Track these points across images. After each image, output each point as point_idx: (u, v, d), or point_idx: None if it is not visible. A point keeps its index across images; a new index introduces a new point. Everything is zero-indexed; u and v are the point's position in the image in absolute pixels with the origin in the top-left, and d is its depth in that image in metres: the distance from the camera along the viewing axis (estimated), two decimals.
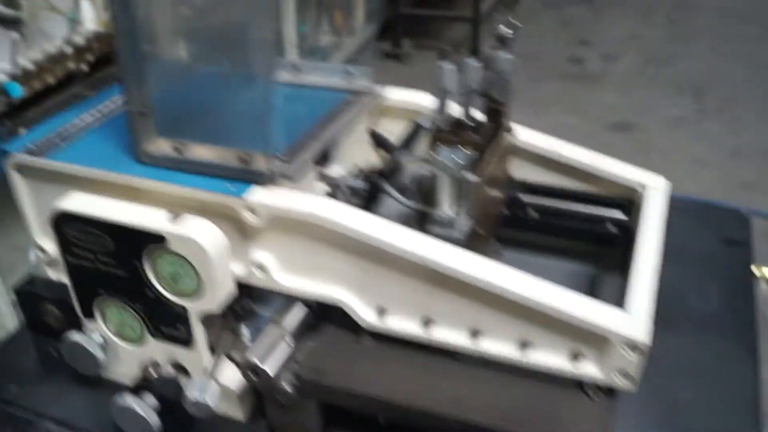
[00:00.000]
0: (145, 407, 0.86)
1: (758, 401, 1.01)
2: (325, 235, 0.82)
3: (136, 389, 0.89)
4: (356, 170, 1.03)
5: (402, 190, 0.90)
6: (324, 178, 0.97)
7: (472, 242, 0.86)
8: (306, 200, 0.81)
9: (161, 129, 0.87)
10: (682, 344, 1.11)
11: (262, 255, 0.86)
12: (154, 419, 0.86)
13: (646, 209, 0.93)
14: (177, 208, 0.84)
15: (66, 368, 0.98)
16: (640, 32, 4.97)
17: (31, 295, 1.04)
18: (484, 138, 0.86)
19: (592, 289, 0.99)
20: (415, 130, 0.94)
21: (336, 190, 0.97)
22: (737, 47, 4.62)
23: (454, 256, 0.78)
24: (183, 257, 0.81)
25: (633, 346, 0.74)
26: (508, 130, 0.95)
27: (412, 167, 0.82)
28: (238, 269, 0.87)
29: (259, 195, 0.82)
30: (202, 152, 0.86)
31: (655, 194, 0.96)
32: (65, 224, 0.87)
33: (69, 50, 1.80)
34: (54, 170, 0.93)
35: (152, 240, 0.81)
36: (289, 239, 0.84)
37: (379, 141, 1.04)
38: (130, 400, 0.86)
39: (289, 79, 1.07)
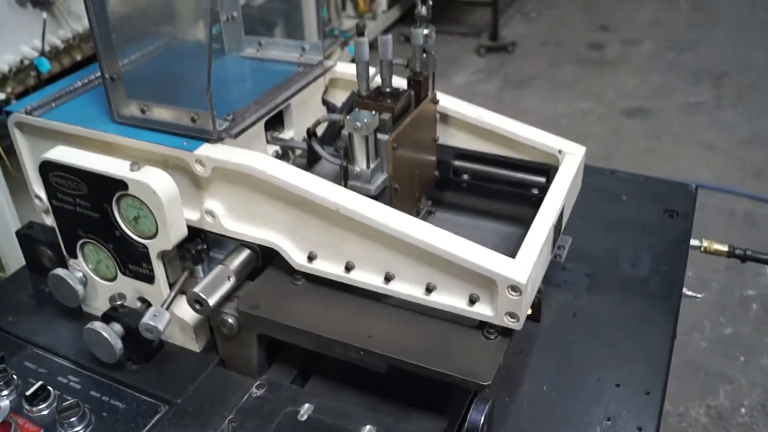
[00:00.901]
0: (110, 332, 0.99)
1: (668, 360, 1.09)
2: (261, 186, 0.94)
3: (107, 319, 1.03)
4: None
5: (338, 150, 1.02)
6: (275, 140, 1.09)
7: (393, 198, 0.98)
8: (244, 155, 0.94)
9: (129, 92, 1.01)
10: (606, 304, 1.19)
11: (212, 203, 0.99)
12: (117, 343, 0.99)
13: (559, 173, 1.03)
14: (144, 161, 0.97)
15: (56, 304, 1.13)
16: (663, 18, 4.95)
17: (29, 239, 1.19)
18: (403, 105, 0.97)
19: (516, 248, 1.08)
20: (353, 98, 1.05)
21: (286, 151, 1.10)
22: (761, 35, 4.58)
23: (365, 205, 0.89)
24: (141, 201, 0.94)
25: (514, 287, 0.85)
26: (433, 99, 1.06)
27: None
28: (193, 216, 1.01)
29: (205, 149, 0.95)
30: (162, 113, 0.99)
31: (570, 159, 1.05)
32: (50, 172, 1.01)
33: None
34: (45, 127, 1.08)
35: (117, 185, 0.95)
36: (234, 189, 0.97)
37: (330, 108, 1.16)
38: (98, 326, 1.00)
39: (252, 53, 1.20)
